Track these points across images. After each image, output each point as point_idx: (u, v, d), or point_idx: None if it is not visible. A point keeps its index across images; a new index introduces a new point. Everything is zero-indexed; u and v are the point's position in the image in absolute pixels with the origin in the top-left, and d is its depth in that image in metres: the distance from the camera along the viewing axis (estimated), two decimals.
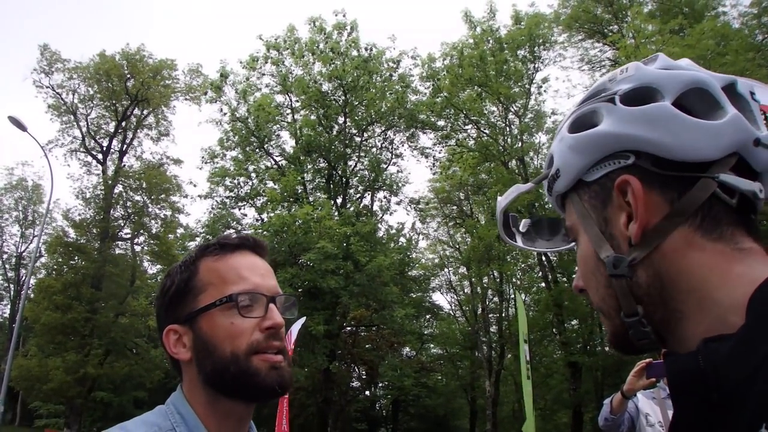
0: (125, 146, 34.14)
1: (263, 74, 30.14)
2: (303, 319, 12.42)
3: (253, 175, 29.87)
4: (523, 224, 1.04)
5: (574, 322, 28.48)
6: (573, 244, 1.02)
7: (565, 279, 27.55)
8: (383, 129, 30.95)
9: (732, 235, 0.76)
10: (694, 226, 0.76)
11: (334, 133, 30.07)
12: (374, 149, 31.19)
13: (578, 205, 0.86)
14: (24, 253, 47.51)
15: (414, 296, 34.82)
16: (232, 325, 1.26)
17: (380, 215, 31.22)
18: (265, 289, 1.31)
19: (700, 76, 0.81)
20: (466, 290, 37.92)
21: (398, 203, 32.04)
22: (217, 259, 1.34)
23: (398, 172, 31.60)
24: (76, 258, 31.71)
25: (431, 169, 32.21)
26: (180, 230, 33.16)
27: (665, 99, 0.79)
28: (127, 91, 32.83)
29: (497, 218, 1.00)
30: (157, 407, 1.30)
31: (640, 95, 0.81)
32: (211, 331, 1.27)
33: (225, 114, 29.66)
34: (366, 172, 30.84)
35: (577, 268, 0.90)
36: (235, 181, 29.79)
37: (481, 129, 29.82)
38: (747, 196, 0.77)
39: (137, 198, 33.36)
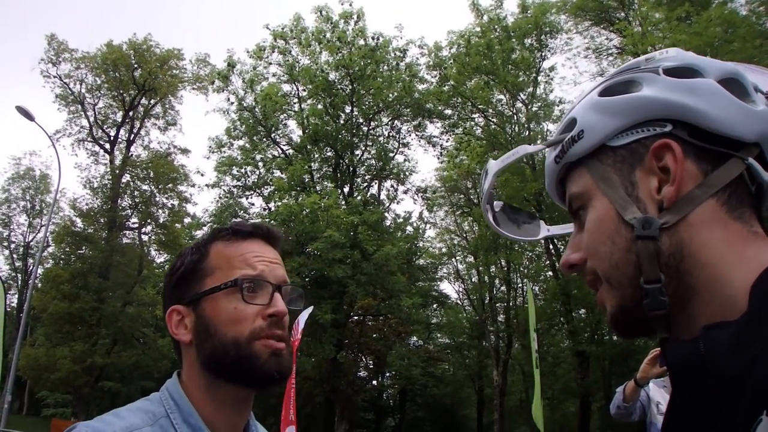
0: (133, 136, 34.32)
1: (270, 63, 30.15)
2: (310, 309, 12.38)
3: (261, 164, 29.96)
4: (497, 204, 1.05)
5: (582, 311, 28.44)
6: (540, 237, 1.08)
7: None
8: (390, 118, 30.93)
9: (749, 218, 0.78)
10: (722, 200, 0.77)
11: (341, 122, 30.02)
12: (381, 138, 31.15)
13: (598, 169, 0.85)
14: (31, 243, 47.59)
15: (421, 285, 34.97)
16: (235, 310, 1.25)
17: (387, 204, 31.24)
18: (271, 277, 1.30)
19: (736, 67, 0.84)
20: (473, 279, 37.89)
21: (405, 192, 32.02)
22: (228, 244, 1.33)
23: (405, 161, 31.61)
24: (83, 248, 31.89)
25: (438, 158, 32.16)
26: (187, 219, 33.34)
27: (708, 78, 0.81)
28: (134, 81, 32.94)
29: (484, 184, 1.00)
30: (153, 394, 1.29)
31: (683, 72, 0.83)
32: (213, 313, 1.26)
33: (232, 103, 29.73)
34: (373, 161, 30.85)
35: (569, 243, 0.89)
36: (243, 171, 29.87)
37: (489, 118, 29.81)
38: (763, 187, 0.80)
39: (144, 187, 33.56)
